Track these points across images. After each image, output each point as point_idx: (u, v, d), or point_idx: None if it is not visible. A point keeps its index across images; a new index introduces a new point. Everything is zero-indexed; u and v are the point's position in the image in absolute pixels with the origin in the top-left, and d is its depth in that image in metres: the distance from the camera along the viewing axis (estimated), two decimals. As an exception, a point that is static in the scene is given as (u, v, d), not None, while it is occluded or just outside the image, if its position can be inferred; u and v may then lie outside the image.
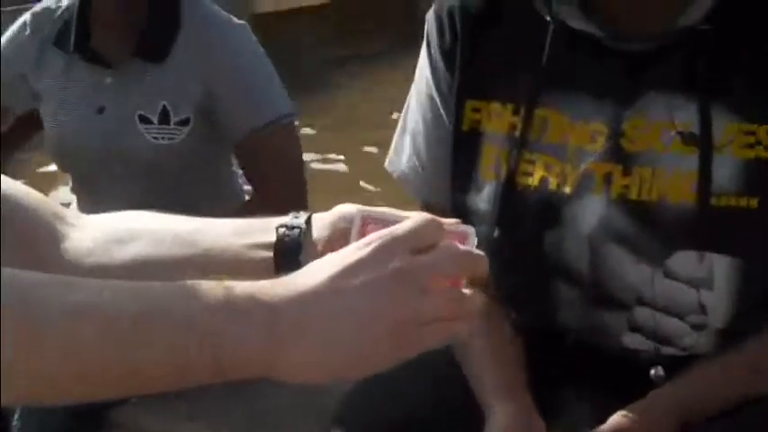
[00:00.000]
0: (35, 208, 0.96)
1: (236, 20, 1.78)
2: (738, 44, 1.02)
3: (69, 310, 0.64)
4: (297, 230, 0.88)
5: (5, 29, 1.87)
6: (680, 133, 1.04)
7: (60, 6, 1.83)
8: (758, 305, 1.06)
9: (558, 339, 1.16)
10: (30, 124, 1.91)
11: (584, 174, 1.07)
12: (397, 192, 1.40)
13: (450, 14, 1.18)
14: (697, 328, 1.07)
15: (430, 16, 1.20)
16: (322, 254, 0.75)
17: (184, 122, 1.73)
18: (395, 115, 1.30)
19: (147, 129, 1.73)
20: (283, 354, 0.67)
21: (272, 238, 0.89)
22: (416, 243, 0.70)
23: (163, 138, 1.73)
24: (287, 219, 0.90)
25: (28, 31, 1.83)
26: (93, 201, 1.83)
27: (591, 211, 1.07)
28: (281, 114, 1.74)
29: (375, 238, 0.70)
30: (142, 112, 1.73)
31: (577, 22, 1.07)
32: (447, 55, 1.18)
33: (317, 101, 5.76)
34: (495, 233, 1.11)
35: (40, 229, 0.95)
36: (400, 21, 8.05)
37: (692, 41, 1.02)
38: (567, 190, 1.08)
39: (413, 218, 0.73)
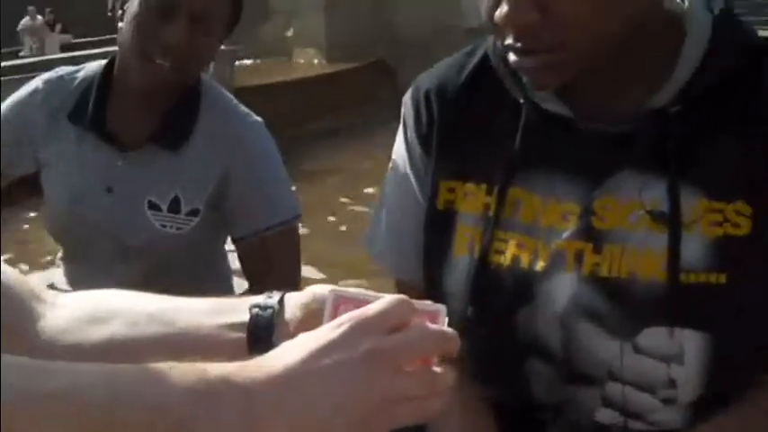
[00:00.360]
0: (11, 286, 0.95)
1: (254, 116, 1.78)
2: (707, 124, 1.04)
3: (41, 397, 0.63)
4: (270, 311, 0.88)
5: (5, 97, 1.82)
6: (649, 212, 1.04)
7: (76, 77, 1.79)
8: (727, 378, 1.06)
9: (531, 415, 1.15)
10: (27, 187, 1.86)
11: (556, 252, 1.08)
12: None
13: (427, 98, 1.19)
14: (667, 402, 1.07)
15: (407, 100, 1.22)
16: (294, 334, 0.74)
17: (194, 213, 1.71)
18: (370, 190, 1.33)
19: (155, 215, 1.71)
20: None
21: (246, 317, 0.89)
22: (388, 323, 0.71)
23: (171, 226, 1.71)
24: (260, 299, 0.91)
25: (39, 98, 1.79)
26: (82, 275, 1.80)
27: (562, 289, 1.08)
28: (287, 218, 1.74)
29: (347, 319, 0.70)
30: (152, 199, 1.71)
31: (550, 104, 1.09)
32: (423, 138, 1.20)
33: (296, 171, 5.81)
34: (469, 311, 1.11)
35: (17, 307, 0.94)
36: (382, 93, 8.18)
37: (663, 122, 1.04)
38: (539, 268, 1.09)
39: (384, 298, 0.73)
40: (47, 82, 1.81)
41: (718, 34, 1.04)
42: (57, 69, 1.84)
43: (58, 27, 21.18)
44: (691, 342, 1.03)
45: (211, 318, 0.91)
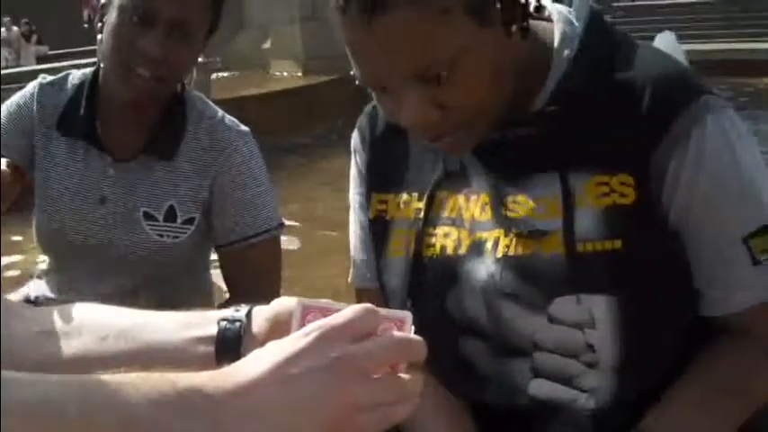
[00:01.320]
0: None
1: (241, 125, 1.79)
2: (584, 115, 1.15)
3: (11, 408, 0.63)
4: (238, 324, 0.90)
5: None
6: (546, 199, 1.16)
7: (66, 84, 1.80)
8: (643, 340, 1.13)
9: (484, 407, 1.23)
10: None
11: (477, 240, 1.20)
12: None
13: (364, 129, 1.37)
14: (591, 366, 1.14)
15: (355, 132, 1.39)
16: (263, 346, 0.75)
17: (190, 221, 1.73)
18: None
19: (150, 225, 1.71)
20: None
21: (214, 331, 0.90)
22: (355, 331, 0.72)
23: (168, 236, 1.72)
24: (228, 312, 0.92)
25: (34, 104, 1.79)
26: (69, 286, 1.80)
27: (481, 270, 1.19)
28: (270, 227, 1.75)
29: (314, 327, 0.72)
30: (147, 209, 1.72)
31: None
32: (362, 157, 1.36)
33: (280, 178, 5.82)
34: (408, 305, 1.22)
35: None
36: (354, 106, 8.20)
37: (545, 121, 1.16)
38: (462, 252, 1.21)
39: (351, 307, 0.75)
40: (42, 86, 1.80)
41: (586, 36, 1.18)
42: (44, 76, 1.84)
43: (34, 38, 21.06)
44: (598, 307, 1.12)
45: (180, 332, 0.92)
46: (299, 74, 10.71)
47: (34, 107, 1.78)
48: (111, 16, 1.61)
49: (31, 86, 1.81)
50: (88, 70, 1.79)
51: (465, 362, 1.22)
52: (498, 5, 1.06)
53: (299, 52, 10.93)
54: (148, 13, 1.58)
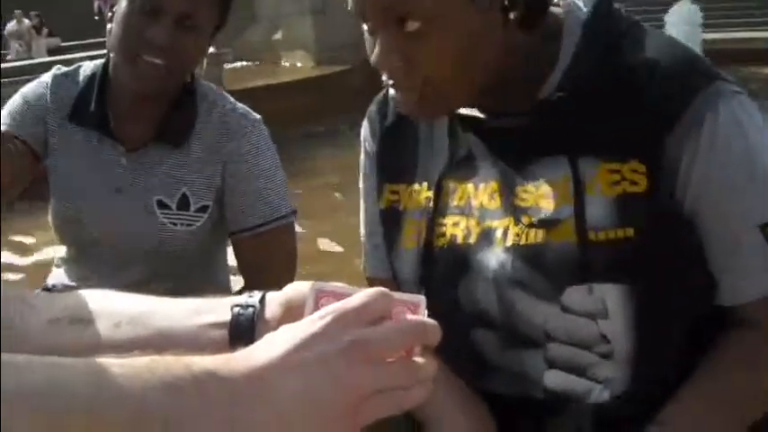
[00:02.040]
0: None
1: (252, 113, 1.80)
2: (593, 101, 1.14)
3: (22, 392, 0.62)
4: (251, 309, 0.90)
5: (4, 101, 1.82)
6: (556, 187, 1.15)
7: (78, 76, 1.81)
8: (657, 330, 1.12)
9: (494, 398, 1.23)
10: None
11: (487, 228, 1.20)
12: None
13: (372, 117, 1.38)
14: (605, 357, 1.12)
15: (365, 122, 1.39)
16: (276, 331, 0.74)
17: (203, 209, 1.73)
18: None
19: (164, 214, 1.72)
20: (243, 428, 0.67)
21: (227, 317, 0.90)
22: (369, 315, 0.72)
23: (181, 224, 1.73)
24: (241, 298, 0.92)
25: (48, 94, 1.79)
26: (87, 276, 1.81)
27: (492, 259, 1.18)
28: (283, 213, 1.76)
29: (329, 311, 0.71)
30: (160, 197, 1.73)
31: (464, 110, 1.23)
32: (375, 152, 1.36)
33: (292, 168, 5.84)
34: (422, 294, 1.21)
35: (4, 312, 0.93)
36: (366, 100, 8.18)
37: (553, 109, 1.15)
38: (472, 241, 1.21)
39: (365, 291, 0.74)
40: (55, 76, 1.81)
41: (592, 23, 1.17)
42: (58, 67, 1.85)
43: (45, 31, 21.10)
44: (611, 296, 1.11)
45: (193, 318, 0.92)
46: (311, 65, 10.70)
47: (48, 97, 1.79)
48: (121, 6, 1.63)
49: (46, 77, 1.82)
50: (99, 62, 1.81)
51: (477, 352, 1.22)
52: None
53: (310, 43, 10.92)
54: (156, 3, 1.60)
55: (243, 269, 1.80)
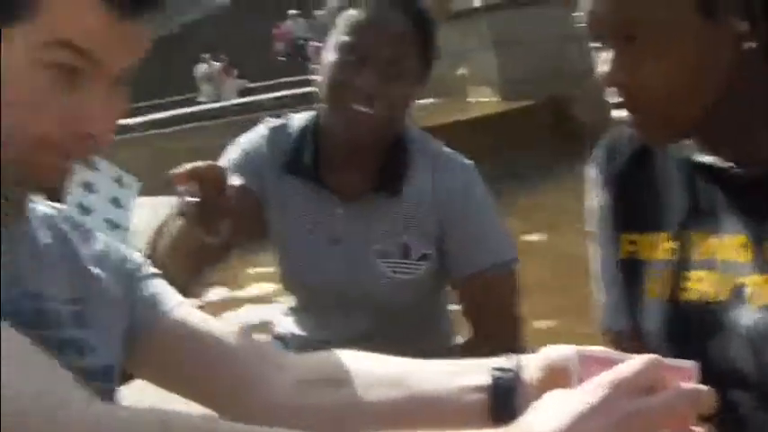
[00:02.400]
0: (235, 348, 0.98)
1: (464, 159, 1.80)
2: None
3: None
4: (511, 373, 0.90)
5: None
6: None
7: (293, 127, 1.83)
8: None
9: None
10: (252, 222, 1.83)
11: (737, 286, 1.15)
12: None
13: (603, 164, 1.35)
14: None
15: (592, 167, 1.35)
16: (537, 396, 0.74)
17: (425, 257, 1.74)
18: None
19: (386, 263, 1.73)
20: None
21: (486, 380, 0.91)
22: (644, 384, 0.71)
23: (403, 273, 1.73)
24: (500, 361, 0.92)
25: (265, 145, 1.83)
26: (313, 324, 1.86)
27: (744, 315, 1.14)
28: (505, 260, 1.75)
29: (604, 381, 0.70)
30: (379, 247, 1.74)
31: (700, 156, 1.20)
32: (608, 202, 1.33)
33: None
34: (666, 348, 1.20)
35: (240, 369, 0.97)
36: (552, 135, 7.98)
37: None
38: (723, 298, 1.17)
39: (637, 358, 0.73)
40: (272, 129, 1.84)
41: None
42: (266, 120, 1.89)
43: (234, 72, 21.96)
44: None
45: (452, 380, 0.93)
46: (496, 99, 10.63)
47: (265, 149, 1.81)
48: (328, 56, 1.66)
49: (260, 129, 1.86)
50: (310, 113, 1.83)
51: (731, 412, 1.15)
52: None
53: (495, 77, 10.85)
54: (364, 51, 1.62)
55: (468, 317, 1.80)
